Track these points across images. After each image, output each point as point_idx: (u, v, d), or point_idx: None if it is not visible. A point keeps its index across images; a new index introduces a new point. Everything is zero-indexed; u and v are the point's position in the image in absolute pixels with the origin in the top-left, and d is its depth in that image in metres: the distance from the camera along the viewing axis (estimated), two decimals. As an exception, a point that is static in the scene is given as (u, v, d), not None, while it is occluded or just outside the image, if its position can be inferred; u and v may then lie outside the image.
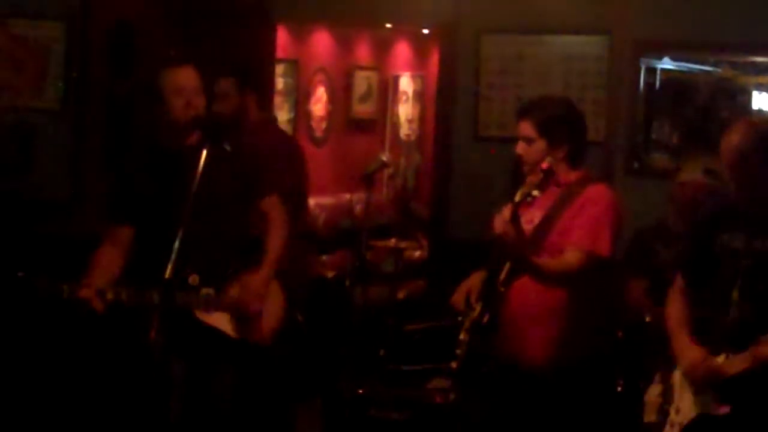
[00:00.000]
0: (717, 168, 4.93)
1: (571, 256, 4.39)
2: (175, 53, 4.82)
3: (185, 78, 4.46)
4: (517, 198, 4.24)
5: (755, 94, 6.76)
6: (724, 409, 3.87)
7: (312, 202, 9.12)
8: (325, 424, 5.93)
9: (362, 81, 10.35)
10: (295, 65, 9.20)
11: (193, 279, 4.44)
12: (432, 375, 6.06)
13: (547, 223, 4.47)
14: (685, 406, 4.02)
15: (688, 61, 6.91)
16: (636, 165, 6.96)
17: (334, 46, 9.89)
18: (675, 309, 4.18)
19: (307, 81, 9.50)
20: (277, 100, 8.77)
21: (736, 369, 3.83)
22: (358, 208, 9.04)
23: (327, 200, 9.36)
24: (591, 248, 4.38)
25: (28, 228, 7.15)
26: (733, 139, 3.90)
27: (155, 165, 4.53)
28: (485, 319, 4.40)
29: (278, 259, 4.67)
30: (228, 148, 4.33)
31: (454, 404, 4.87)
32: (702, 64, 6.87)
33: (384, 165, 5.96)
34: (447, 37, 7.61)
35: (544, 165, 4.30)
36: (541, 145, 4.46)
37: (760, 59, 6.74)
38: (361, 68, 10.34)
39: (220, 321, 4.51)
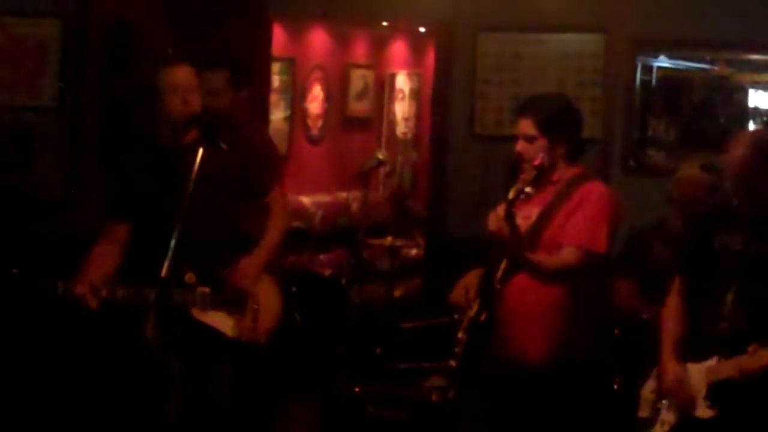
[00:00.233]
0: (715, 164, 4.94)
1: (568, 253, 4.40)
2: (172, 52, 4.84)
3: (181, 76, 4.48)
4: (511, 195, 4.26)
5: (751, 91, 6.77)
6: (710, 413, 3.89)
7: (308, 200, 9.16)
8: (322, 423, 5.92)
9: (359, 79, 10.35)
10: (291, 63, 9.21)
11: (189, 277, 4.44)
12: (429, 373, 6.05)
13: (543, 219, 4.47)
14: (674, 405, 4.04)
15: (684, 58, 6.92)
16: (632, 162, 6.96)
17: (331, 44, 9.89)
18: (670, 313, 4.19)
19: (304, 79, 9.50)
20: (274, 98, 8.76)
21: (721, 376, 3.85)
22: (354, 207, 9.03)
23: (323, 198, 9.37)
24: (588, 245, 4.39)
25: (25, 226, 7.14)
26: (737, 151, 3.91)
27: (153, 163, 4.54)
28: (483, 317, 4.40)
29: (274, 246, 4.68)
30: (224, 146, 4.33)
31: (452, 402, 4.87)
32: (698, 61, 6.88)
33: (380, 163, 5.95)
34: (443, 35, 7.61)
35: (537, 162, 4.31)
36: (542, 142, 4.46)
37: (756, 57, 6.75)
38: (358, 66, 10.35)
39: (217, 320, 4.51)
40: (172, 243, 3.94)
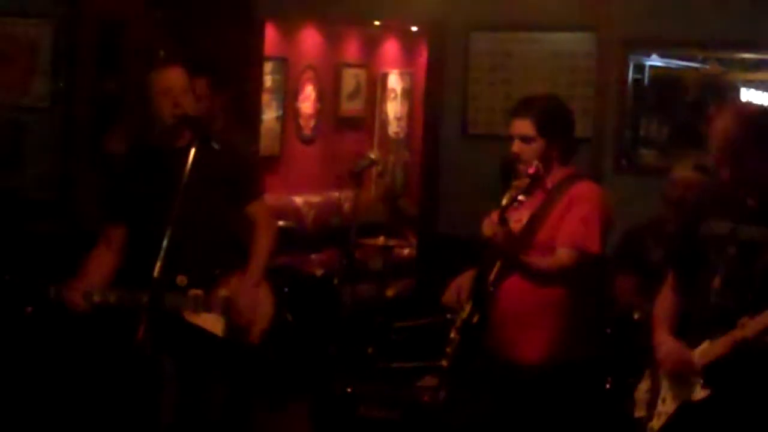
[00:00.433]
0: (708, 164, 4.93)
1: (561, 254, 4.40)
2: (163, 54, 4.84)
3: (173, 78, 4.49)
4: (504, 202, 4.26)
5: (743, 90, 6.77)
6: (704, 393, 3.88)
7: (300, 200, 9.15)
8: (315, 423, 5.92)
9: (351, 78, 10.34)
10: (283, 63, 9.19)
11: (181, 280, 4.43)
12: (421, 373, 6.06)
13: (535, 220, 4.46)
14: (669, 396, 4.03)
15: (676, 57, 6.92)
16: (624, 162, 6.96)
17: (323, 43, 9.88)
18: (662, 304, 4.19)
19: (296, 79, 9.48)
20: (266, 98, 8.76)
21: (713, 356, 3.85)
22: (346, 206, 9.04)
23: (315, 198, 9.36)
24: (581, 246, 4.39)
25: (16, 226, 7.13)
26: (722, 123, 3.90)
27: (147, 165, 4.54)
28: (475, 318, 4.40)
29: (267, 260, 4.67)
30: (216, 146, 4.33)
31: (444, 402, 4.87)
32: (690, 60, 6.88)
33: (372, 163, 5.97)
34: (435, 35, 7.61)
35: (531, 170, 4.30)
36: (539, 143, 4.44)
37: (748, 56, 6.75)
38: (350, 66, 10.33)
39: (209, 322, 4.50)
40: (164, 245, 3.94)
